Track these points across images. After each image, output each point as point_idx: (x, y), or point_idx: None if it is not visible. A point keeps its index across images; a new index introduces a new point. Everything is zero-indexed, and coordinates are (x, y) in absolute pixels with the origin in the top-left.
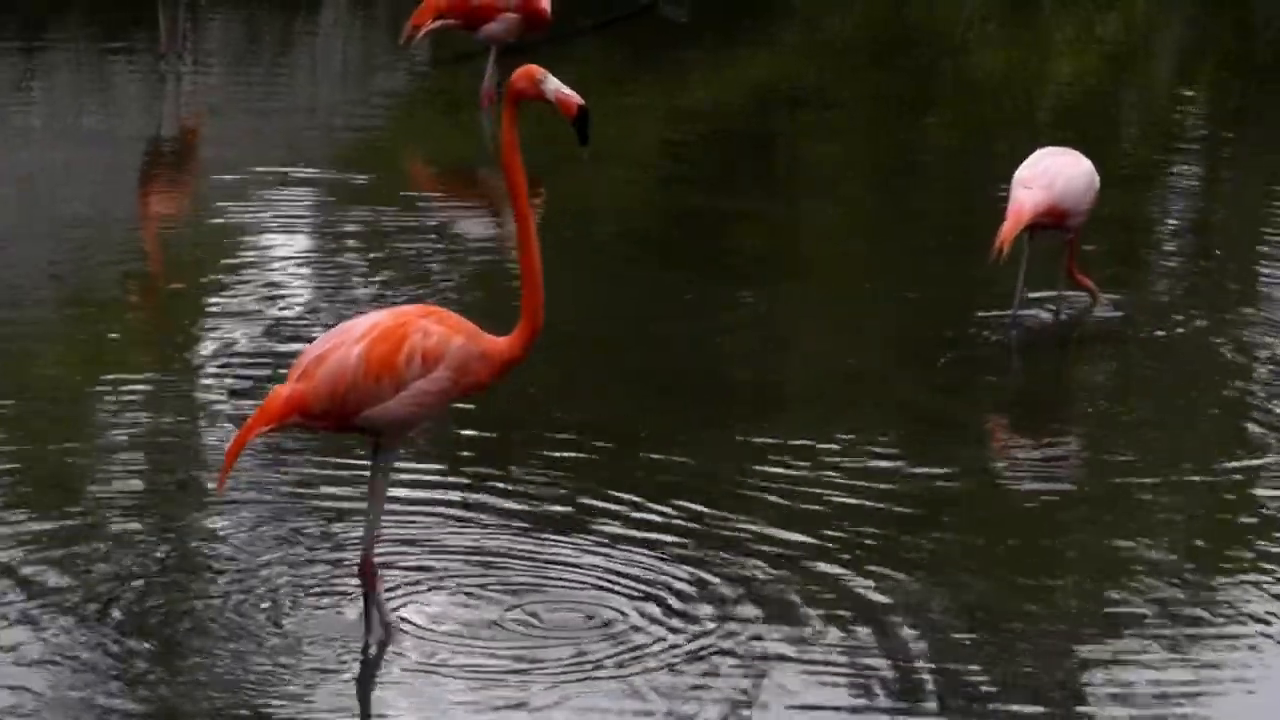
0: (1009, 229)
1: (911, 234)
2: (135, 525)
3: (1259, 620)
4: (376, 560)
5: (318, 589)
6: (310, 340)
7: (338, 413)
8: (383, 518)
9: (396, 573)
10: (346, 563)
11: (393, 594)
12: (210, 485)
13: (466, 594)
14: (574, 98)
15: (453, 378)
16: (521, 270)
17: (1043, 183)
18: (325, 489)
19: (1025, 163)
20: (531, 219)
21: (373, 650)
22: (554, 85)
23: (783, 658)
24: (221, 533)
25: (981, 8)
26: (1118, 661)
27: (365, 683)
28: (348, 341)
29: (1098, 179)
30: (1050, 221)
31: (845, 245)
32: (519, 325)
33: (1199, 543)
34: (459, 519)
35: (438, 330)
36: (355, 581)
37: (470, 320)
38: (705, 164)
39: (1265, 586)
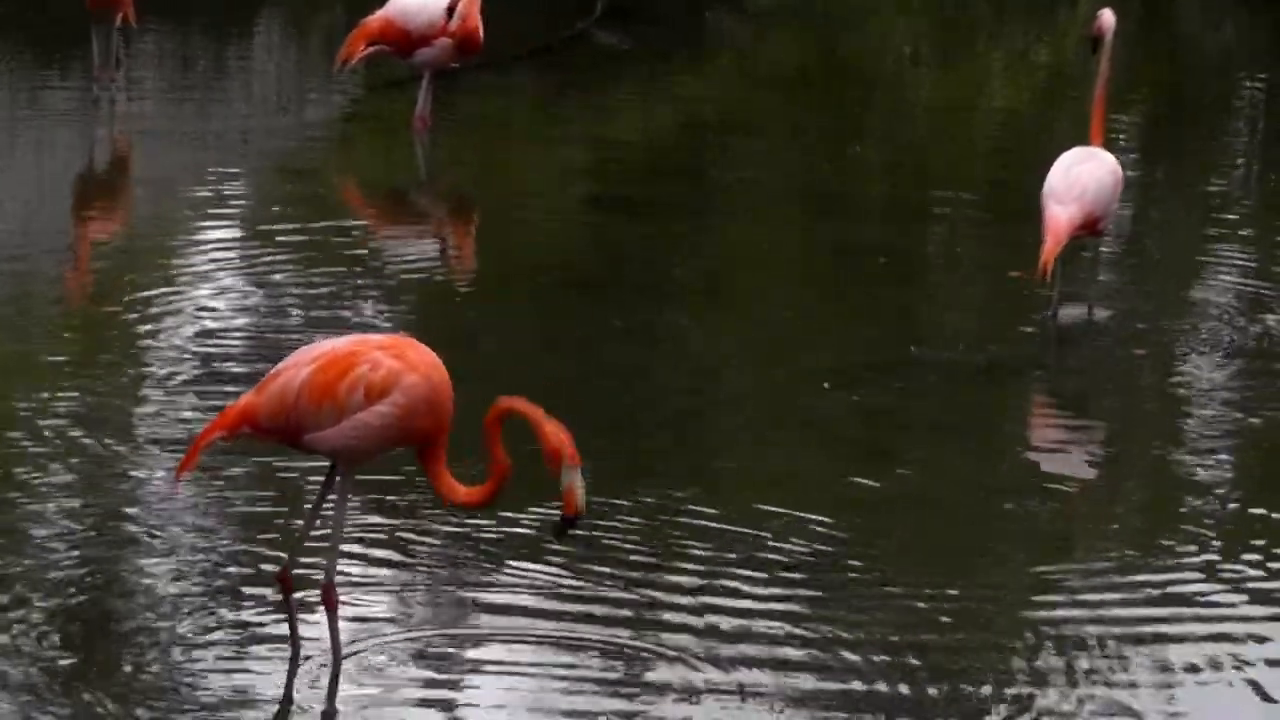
0: (1050, 250)
1: (841, 262)
2: (63, 553)
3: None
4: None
5: (253, 621)
6: (238, 365)
7: (282, 431)
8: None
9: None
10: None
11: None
12: (136, 511)
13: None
14: (579, 500)
15: (398, 414)
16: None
17: (1074, 195)
18: (266, 513)
19: (1054, 171)
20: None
21: (331, 676)
22: (574, 479)
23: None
24: (151, 563)
25: (914, 38)
26: (1059, 697)
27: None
28: (303, 362)
29: (1121, 172)
30: (1086, 231)
31: (775, 273)
32: (486, 483)
33: (1145, 561)
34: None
35: (389, 364)
36: (278, 603)
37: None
38: (635, 191)
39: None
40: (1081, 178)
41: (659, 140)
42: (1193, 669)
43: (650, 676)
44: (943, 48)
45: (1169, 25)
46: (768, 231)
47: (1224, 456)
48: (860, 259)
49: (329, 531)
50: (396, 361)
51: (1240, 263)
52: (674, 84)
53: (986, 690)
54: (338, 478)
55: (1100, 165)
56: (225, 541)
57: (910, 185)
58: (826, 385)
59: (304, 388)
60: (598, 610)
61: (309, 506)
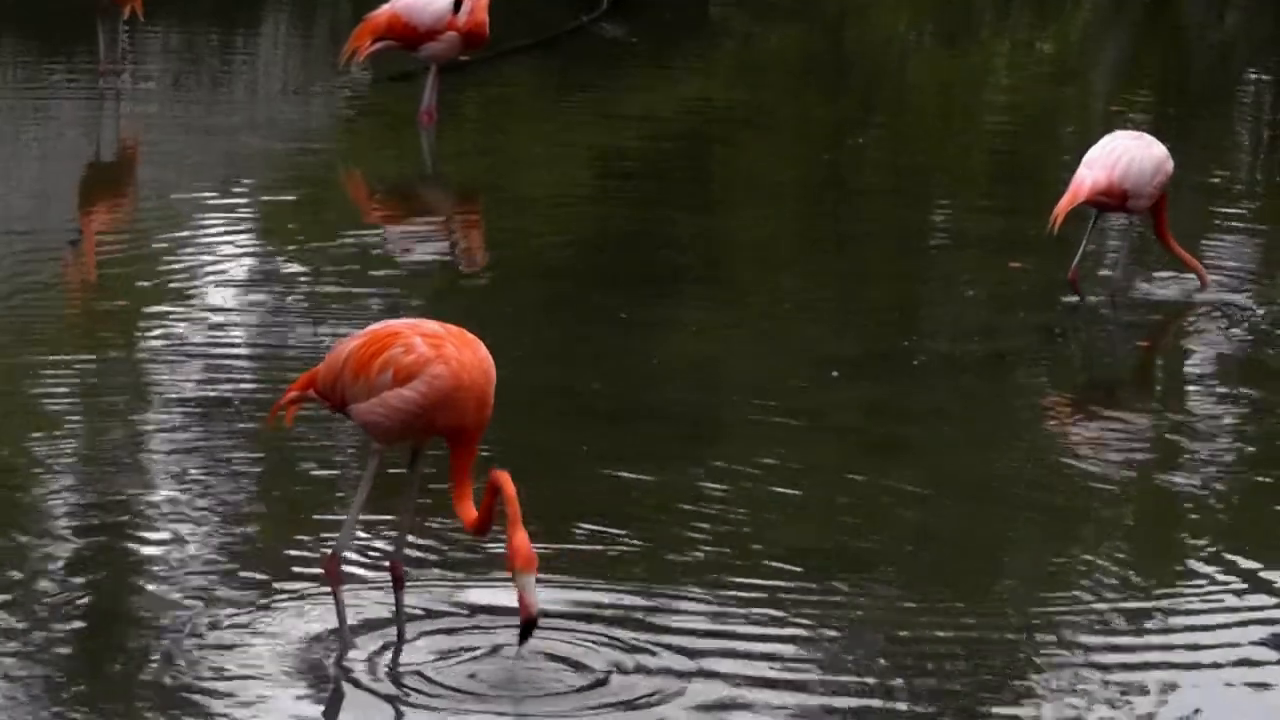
0: (1064, 204)
1: (846, 252)
2: (74, 545)
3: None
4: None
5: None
6: (245, 355)
7: (332, 397)
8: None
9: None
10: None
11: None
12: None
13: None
14: (531, 607)
15: (417, 401)
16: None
17: (1106, 163)
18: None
19: (1097, 144)
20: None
21: (335, 656)
22: (526, 584)
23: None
24: (167, 549)
25: (917, 29)
26: (1062, 689)
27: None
28: (357, 336)
29: (1170, 164)
30: (1112, 202)
31: (780, 263)
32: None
33: (1152, 556)
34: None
35: (421, 351)
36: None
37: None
38: (639, 181)
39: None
40: (1118, 150)
41: (664, 131)
42: (1193, 667)
43: (650, 663)
44: (947, 38)
45: (1173, 17)
46: (772, 221)
47: (1234, 445)
48: (864, 248)
49: (351, 507)
50: (431, 350)
51: (1247, 251)
52: (678, 75)
53: (989, 694)
54: (370, 453)
55: (1142, 146)
56: (247, 528)
57: (913, 175)
58: (835, 374)
59: (348, 359)
60: (598, 600)
61: (399, 498)
